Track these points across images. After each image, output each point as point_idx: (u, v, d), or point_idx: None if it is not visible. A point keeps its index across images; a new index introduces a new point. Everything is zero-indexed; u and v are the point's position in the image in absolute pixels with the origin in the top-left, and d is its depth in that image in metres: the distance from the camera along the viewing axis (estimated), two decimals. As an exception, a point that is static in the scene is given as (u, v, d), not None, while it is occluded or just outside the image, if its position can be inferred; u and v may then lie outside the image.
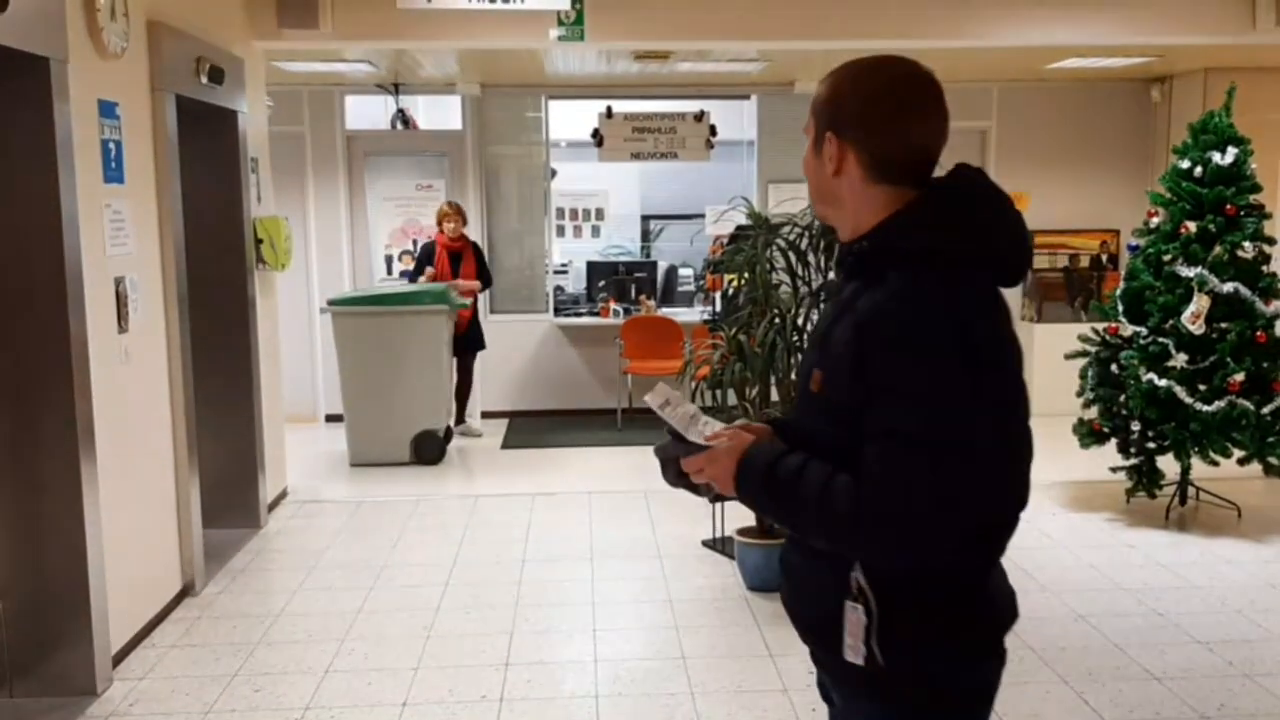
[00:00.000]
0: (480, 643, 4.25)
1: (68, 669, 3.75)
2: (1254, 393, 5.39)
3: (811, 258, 4.75)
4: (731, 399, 4.87)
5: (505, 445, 7.78)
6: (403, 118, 8.52)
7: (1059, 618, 4.43)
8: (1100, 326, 5.86)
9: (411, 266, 8.14)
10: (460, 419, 7.96)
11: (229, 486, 5.63)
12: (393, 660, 4.09)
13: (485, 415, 8.47)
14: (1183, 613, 4.46)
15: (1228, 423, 5.34)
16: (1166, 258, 5.61)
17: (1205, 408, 5.35)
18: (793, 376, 4.70)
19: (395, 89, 8.40)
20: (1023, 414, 1.63)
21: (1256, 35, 6.10)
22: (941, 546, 1.53)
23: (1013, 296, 8.72)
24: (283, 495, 6.34)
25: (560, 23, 5.94)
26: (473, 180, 8.60)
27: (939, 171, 1.68)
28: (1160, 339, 5.51)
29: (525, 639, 4.28)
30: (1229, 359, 5.36)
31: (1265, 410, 5.39)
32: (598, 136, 8.52)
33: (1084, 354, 5.91)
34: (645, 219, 11.42)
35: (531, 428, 8.25)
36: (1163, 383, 5.43)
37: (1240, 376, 5.32)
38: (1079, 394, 5.92)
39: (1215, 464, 5.56)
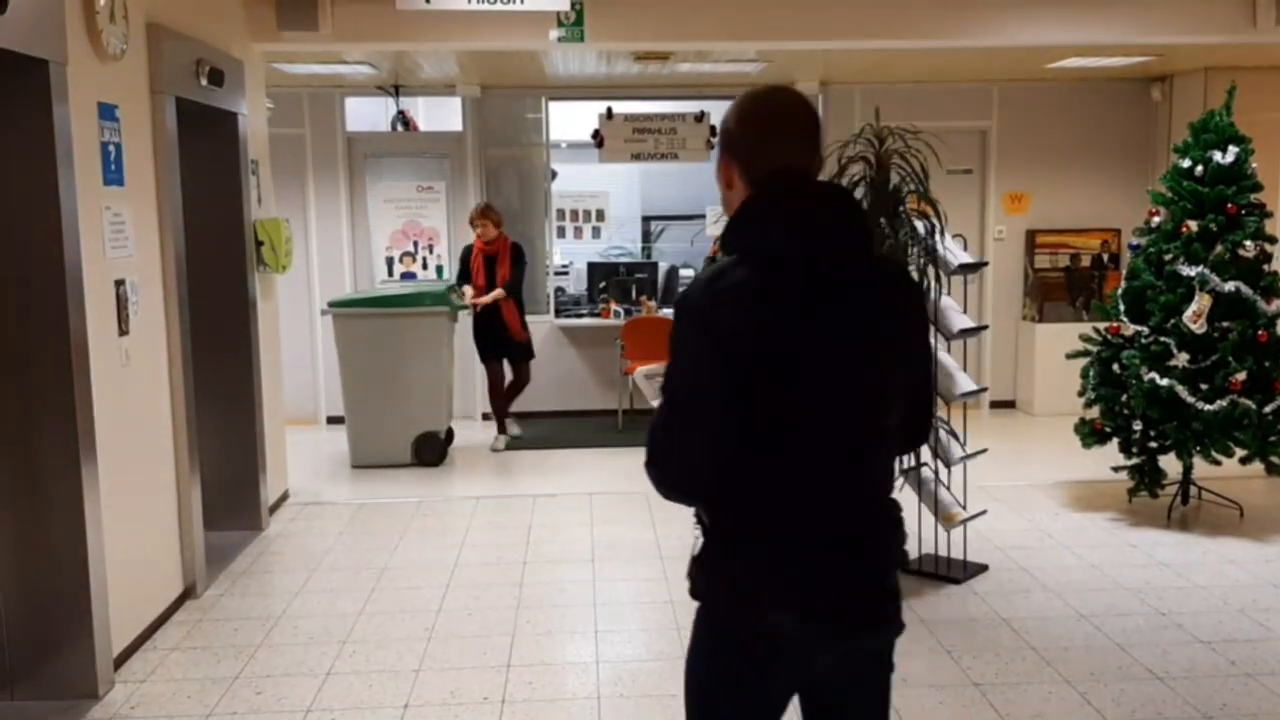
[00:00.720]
0: (482, 644, 4.24)
1: (69, 672, 3.75)
2: (1256, 392, 5.38)
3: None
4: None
5: (506, 446, 7.77)
6: (403, 119, 8.52)
7: (1061, 617, 4.42)
8: (1102, 326, 5.86)
9: (418, 268, 8.09)
10: (502, 427, 7.81)
11: (230, 489, 5.63)
12: (394, 662, 4.08)
13: (486, 417, 8.46)
14: (1185, 612, 4.46)
15: (1229, 422, 5.34)
16: (1168, 257, 5.61)
17: (1207, 407, 5.35)
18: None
19: (395, 91, 8.40)
20: (728, 395, 1.79)
21: (1257, 34, 6.10)
22: (671, 488, 1.87)
23: (1014, 296, 8.74)
24: (284, 497, 6.34)
25: (560, 24, 5.93)
26: (473, 182, 8.60)
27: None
28: (1162, 338, 5.51)
29: (527, 640, 4.28)
30: (1230, 358, 5.35)
31: (1267, 409, 5.39)
32: (598, 137, 8.52)
33: (1085, 354, 5.91)
34: (646, 220, 11.40)
35: (532, 429, 8.24)
36: (1164, 382, 5.43)
37: (1242, 376, 5.32)
38: (1080, 394, 5.92)
39: (1217, 463, 5.56)
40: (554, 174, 8.90)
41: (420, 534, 5.71)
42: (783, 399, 1.81)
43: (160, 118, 4.56)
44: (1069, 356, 6.02)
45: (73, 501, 3.67)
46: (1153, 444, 5.66)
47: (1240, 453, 5.51)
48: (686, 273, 9.80)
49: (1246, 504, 5.81)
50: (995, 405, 8.83)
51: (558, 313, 8.81)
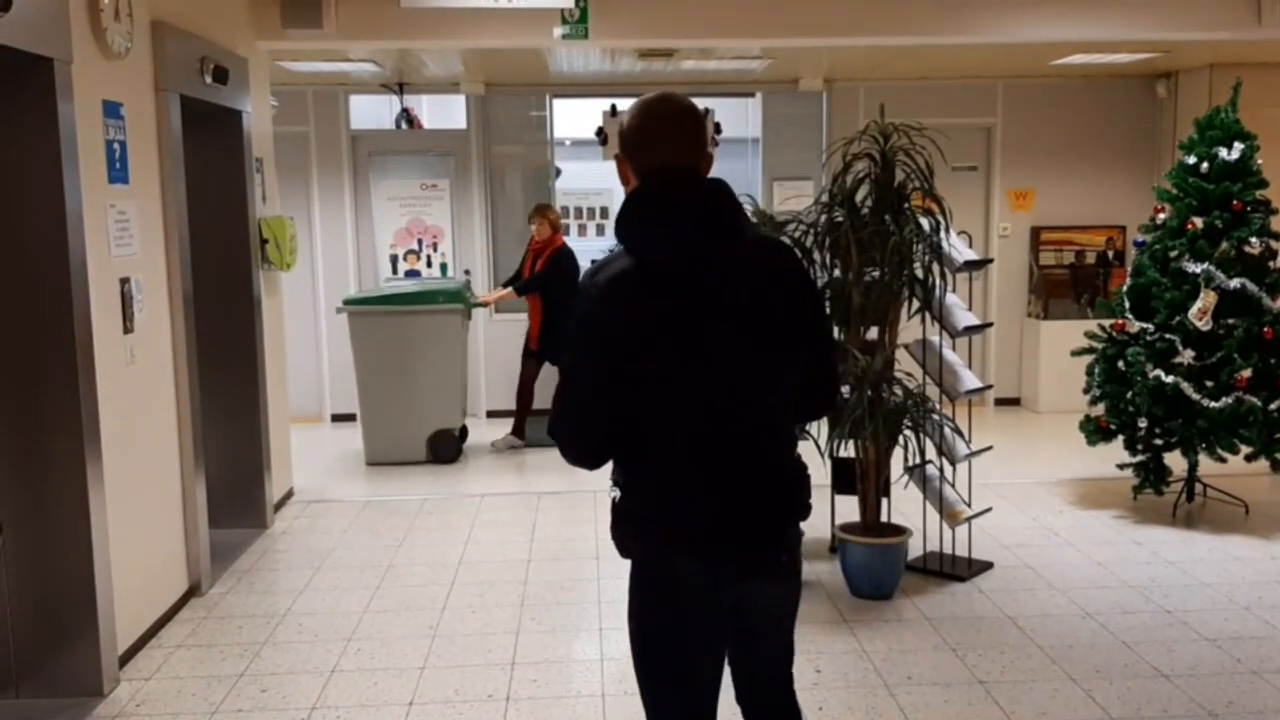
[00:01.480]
0: (486, 642, 4.25)
1: (74, 670, 3.76)
2: (1261, 389, 5.38)
3: (817, 255, 4.74)
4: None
5: (508, 448, 7.76)
6: (407, 117, 8.53)
7: (1066, 615, 4.42)
8: (1107, 323, 5.85)
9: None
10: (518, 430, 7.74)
11: (235, 487, 5.64)
12: (399, 660, 4.09)
13: (490, 415, 8.47)
14: (1190, 610, 4.45)
15: (1235, 419, 5.33)
16: (1173, 254, 5.60)
17: (1212, 404, 5.34)
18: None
19: (400, 88, 8.40)
20: (599, 377, 2.05)
21: (1262, 31, 6.08)
22: (565, 456, 2.17)
23: (1019, 293, 8.73)
24: (289, 495, 6.35)
25: (564, 21, 5.93)
26: (477, 180, 8.60)
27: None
28: (1167, 335, 5.50)
29: (531, 638, 4.28)
30: (1236, 355, 5.34)
31: (1272, 406, 5.38)
32: (602, 135, 8.50)
33: (1090, 351, 5.90)
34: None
35: (537, 426, 8.23)
36: (1169, 379, 5.42)
37: (1247, 372, 5.31)
38: (1085, 391, 5.91)
39: (1222, 460, 5.55)
40: (558, 172, 8.90)
41: (425, 531, 5.71)
42: (655, 379, 2.03)
43: (165, 116, 4.57)
44: (1074, 354, 6.02)
45: (78, 499, 3.68)
46: (1158, 441, 5.65)
47: (1245, 450, 5.51)
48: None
49: (1252, 501, 5.80)
50: (1000, 402, 8.83)
51: (562, 310, 8.79)
